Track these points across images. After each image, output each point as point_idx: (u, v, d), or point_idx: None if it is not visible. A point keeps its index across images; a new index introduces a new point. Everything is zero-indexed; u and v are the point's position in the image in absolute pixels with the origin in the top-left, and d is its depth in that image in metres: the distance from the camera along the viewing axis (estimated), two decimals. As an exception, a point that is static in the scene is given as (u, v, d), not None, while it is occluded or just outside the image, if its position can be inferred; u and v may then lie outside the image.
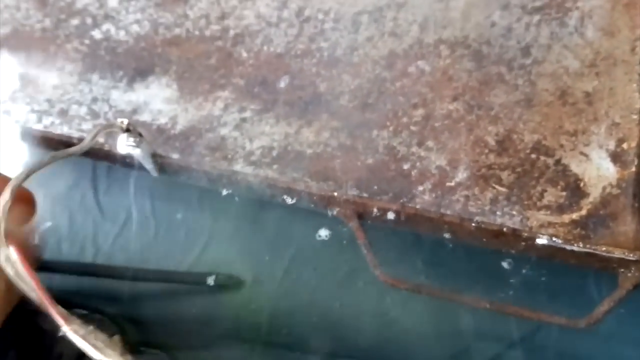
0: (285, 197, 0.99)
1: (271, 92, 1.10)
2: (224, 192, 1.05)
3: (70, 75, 1.16)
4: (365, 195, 0.97)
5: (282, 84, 1.11)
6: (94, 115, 1.11)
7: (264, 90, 1.11)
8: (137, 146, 0.88)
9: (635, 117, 1.01)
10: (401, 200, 0.97)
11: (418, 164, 1.01)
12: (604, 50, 1.08)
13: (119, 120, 0.86)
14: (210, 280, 1.03)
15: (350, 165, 1.01)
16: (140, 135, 0.89)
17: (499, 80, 1.08)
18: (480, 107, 1.06)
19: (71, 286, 1.07)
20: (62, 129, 1.09)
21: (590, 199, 0.94)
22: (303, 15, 1.18)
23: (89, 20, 1.22)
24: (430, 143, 1.03)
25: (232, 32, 1.17)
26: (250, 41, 1.16)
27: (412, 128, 1.05)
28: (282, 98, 1.10)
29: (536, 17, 1.12)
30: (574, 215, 0.93)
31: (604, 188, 0.94)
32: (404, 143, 1.04)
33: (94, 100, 1.13)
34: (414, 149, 1.03)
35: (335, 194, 0.96)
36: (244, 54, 1.14)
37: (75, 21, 1.23)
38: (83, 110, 1.12)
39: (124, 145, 0.89)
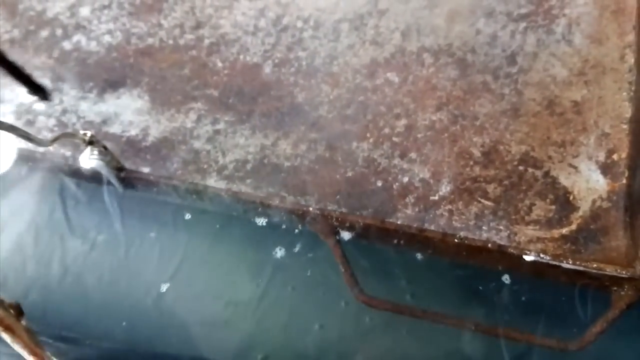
0: (257, 217, 0.95)
1: (247, 103, 1.06)
2: (197, 208, 1.00)
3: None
4: (343, 210, 0.92)
5: (259, 94, 1.06)
6: (63, 126, 1.06)
7: (239, 101, 1.06)
8: (101, 160, 0.83)
9: (625, 126, 0.96)
10: (382, 215, 0.92)
11: (400, 176, 0.96)
12: (593, 58, 1.04)
13: (82, 132, 0.81)
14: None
15: (328, 179, 0.96)
16: (104, 148, 0.84)
17: (484, 89, 1.04)
18: (465, 117, 1.01)
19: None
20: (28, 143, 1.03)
21: (580, 212, 0.89)
22: (281, 23, 1.14)
23: (59, 32, 1.18)
24: (413, 155, 0.98)
25: (207, 42, 1.13)
26: (226, 50, 1.11)
27: (394, 139, 1.00)
28: (258, 109, 1.05)
29: (522, 25, 1.08)
30: (564, 230, 0.88)
31: (594, 201, 0.90)
32: (385, 155, 0.99)
33: (63, 111, 1.08)
34: (396, 161, 0.98)
35: (311, 209, 0.91)
36: (219, 64, 1.10)
37: (45, 32, 1.18)
38: (51, 121, 1.07)
39: (87, 158, 0.83)
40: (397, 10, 1.12)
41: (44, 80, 1.12)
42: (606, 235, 0.88)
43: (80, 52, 1.14)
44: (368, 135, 1.01)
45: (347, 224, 0.90)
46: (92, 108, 1.08)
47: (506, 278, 0.90)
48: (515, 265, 0.87)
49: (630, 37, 1.05)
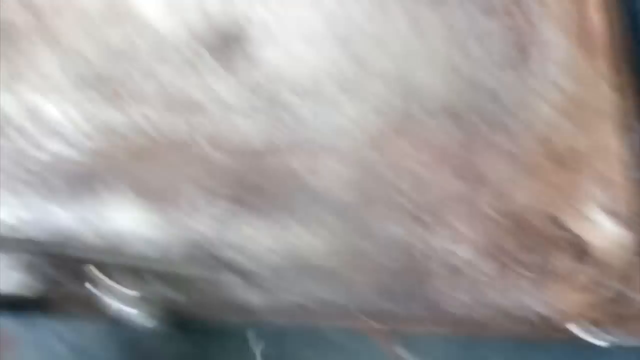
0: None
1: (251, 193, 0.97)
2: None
3: None
4: (394, 309, 0.88)
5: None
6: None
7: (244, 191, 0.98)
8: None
9: (628, 173, 0.99)
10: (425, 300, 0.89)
11: (429, 253, 0.94)
12: (580, 99, 1.05)
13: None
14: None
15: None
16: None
17: (487, 145, 1.02)
18: (476, 178, 1.00)
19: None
20: None
21: (613, 270, 0.91)
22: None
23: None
24: (437, 227, 0.96)
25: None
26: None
27: (413, 212, 0.97)
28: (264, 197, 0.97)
29: (504, 70, 1.06)
30: (599, 292, 0.90)
31: (620, 257, 0.92)
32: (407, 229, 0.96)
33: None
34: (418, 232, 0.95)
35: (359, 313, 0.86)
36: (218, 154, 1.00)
37: None
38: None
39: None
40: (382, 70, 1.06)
41: None
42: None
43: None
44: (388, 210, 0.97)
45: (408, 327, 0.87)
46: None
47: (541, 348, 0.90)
48: (557, 335, 0.88)
49: (620, 78, 1.05)
